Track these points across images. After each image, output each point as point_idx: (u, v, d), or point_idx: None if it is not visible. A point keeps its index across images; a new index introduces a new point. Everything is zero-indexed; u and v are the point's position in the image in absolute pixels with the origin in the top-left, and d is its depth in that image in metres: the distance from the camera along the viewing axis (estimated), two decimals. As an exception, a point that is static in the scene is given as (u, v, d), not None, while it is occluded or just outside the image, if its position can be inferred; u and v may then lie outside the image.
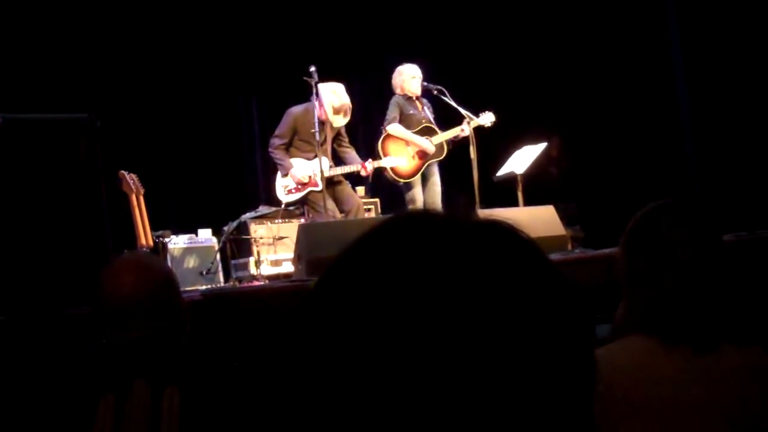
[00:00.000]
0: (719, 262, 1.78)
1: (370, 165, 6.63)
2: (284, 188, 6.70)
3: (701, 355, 1.69)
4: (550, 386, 0.64)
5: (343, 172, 6.65)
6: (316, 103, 6.48)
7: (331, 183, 6.61)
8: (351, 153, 6.79)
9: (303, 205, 6.79)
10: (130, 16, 8.24)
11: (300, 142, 6.68)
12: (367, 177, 6.88)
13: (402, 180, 6.80)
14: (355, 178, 7.54)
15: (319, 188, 6.48)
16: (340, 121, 6.59)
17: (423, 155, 6.80)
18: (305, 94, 6.63)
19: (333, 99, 6.50)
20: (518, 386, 0.62)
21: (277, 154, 6.69)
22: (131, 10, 8.24)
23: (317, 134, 6.38)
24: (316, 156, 6.48)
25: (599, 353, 1.73)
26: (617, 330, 1.84)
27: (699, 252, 1.77)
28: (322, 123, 6.52)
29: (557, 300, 0.67)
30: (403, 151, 6.81)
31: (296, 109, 6.69)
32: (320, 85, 6.50)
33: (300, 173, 6.59)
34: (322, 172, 6.38)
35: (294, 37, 8.73)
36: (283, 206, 6.71)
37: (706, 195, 7.40)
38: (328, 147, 6.59)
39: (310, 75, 6.41)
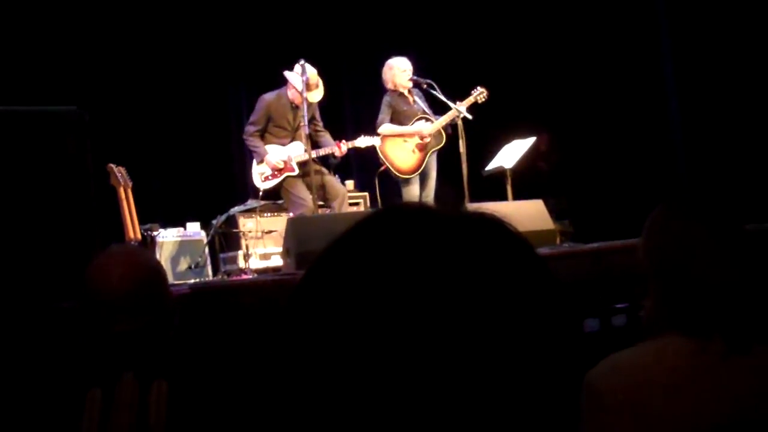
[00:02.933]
0: (744, 253, 1.73)
1: (345, 146, 6.64)
2: (260, 175, 6.71)
3: (736, 353, 1.62)
4: (535, 379, 0.64)
5: (318, 155, 6.65)
6: (289, 92, 6.59)
7: (310, 172, 6.58)
8: (326, 136, 6.81)
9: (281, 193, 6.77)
10: (119, 8, 8.20)
11: (275, 128, 6.72)
12: (341, 161, 6.93)
13: (407, 176, 6.80)
14: (343, 170, 7.56)
15: (296, 172, 6.54)
16: (316, 96, 6.61)
17: (423, 147, 6.82)
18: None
19: (299, 77, 6.52)
20: (503, 379, 0.62)
21: (252, 141, 6.73)
22: (119, 1, 8.20)
23: (304, 119, 6.39)
24: (291, 140, 6.53)
25: (631, 352, 1.68)
26: (648, 327, 1.77)
27: (724, 244, 1.72)
28: (296, 107, 6.58)
29: (544, 293, 0.67)
30: (401, 147, 6.82)
31: (269, 96, 6.75)
32: (286, 72, 6.59)
33: (275, 159, 6.61)
34: (309, 152, 6.37)
35: (284, 30, 8.71)
36: (260, 193, 6.70)
37: (696, 190, 7.42)
38: (303, 131, 6.58)
39: (302, 69, 6.46)
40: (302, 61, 6.48)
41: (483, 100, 6.76)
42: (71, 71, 7.79)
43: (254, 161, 6.77)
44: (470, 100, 6.71)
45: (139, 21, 8.36)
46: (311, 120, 6.69)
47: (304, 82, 6.45)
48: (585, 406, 1.62)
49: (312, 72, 6.56)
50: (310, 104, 6.60)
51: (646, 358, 1.67)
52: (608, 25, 8.30)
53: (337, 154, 6.67)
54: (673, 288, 1.71)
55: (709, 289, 1.67)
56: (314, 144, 6.71)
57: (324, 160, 6.85)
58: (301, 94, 6.46)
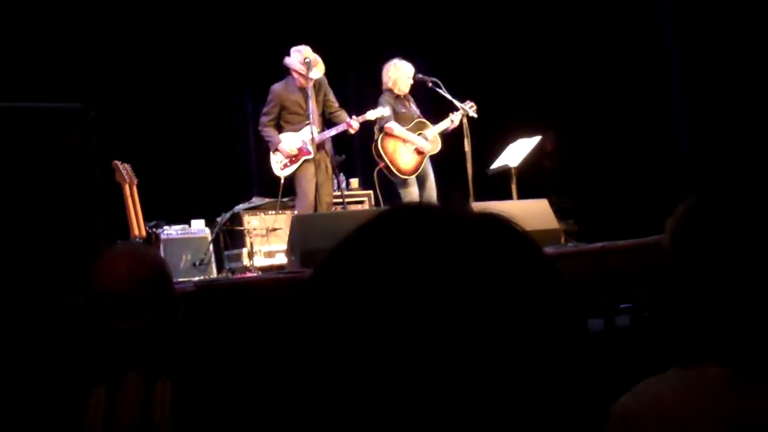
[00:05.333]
0: None
1: (355, 121, 6.67)
2: (278, 164, 6.75)
3: None
4: (542, 378, 0.64)
5: (330, 134, 6.71)
6: (295, 77, 6.67)
7: (318, 163, 6.64)
8: (342, 114, 6.85)
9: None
10: (125, 5, 8.21)
11: (289, 116, 6.77)
12: (345, 159, 7.07)
13: (405, 176, 6.79)
14: (347, 169, 7.58)
15: (312, 154, 6.58)
16: (317, 74, 6.64)
17: (421, 151, 6.81)
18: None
19: (298, 57, 6.63)
20: (510, 378, 0.62)
21: (266, 132, 6.79)
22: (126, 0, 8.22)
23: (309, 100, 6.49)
24: (307, 124, 6.62)
25: (663, 381, 1.48)
26: (682, 351, 1.50)
27: None
28: (305, 90, 6.64)
29: (550, 292, 0.67)
30: (403, 147, 6.82)
31: (277, 85, 6.82)
32: (285, 60, 6.71)
33: (288, 146, 6.66)
34: (312, 138, 6.47)
35: (289, 28, 8.70)
36: (282, 181, 6.71)
37: (700, 190, 7.40)
38: (314, 114, 6.60)
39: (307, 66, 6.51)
40: (307, 60, 6.53)
41: (472, 114, 6.75)
42: (77, 68, 7.79)
43: (271, 152, 6.82)
44: (460, 114, 6.71)
45: (145, 18, 8.36)
46: (325, 101, 6.73)
47: (293, 73, 6.65)
48: None
49: (306, 49, 6.66)
50: (317, 84, 6.65)
51: (685, 387, 1.44)
52: (613, 23, 8.28)
53: (351, 131, 6.72)
54: (713, 304, 1.44)
55: (758, 301, 1.40)
56: (331, 125, 6.77)
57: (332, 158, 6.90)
58: (302, 75, 6.57)
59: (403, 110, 6.88)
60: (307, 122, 6.63)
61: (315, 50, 6.79)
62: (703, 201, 1.52)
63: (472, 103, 6.79)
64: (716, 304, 1.43)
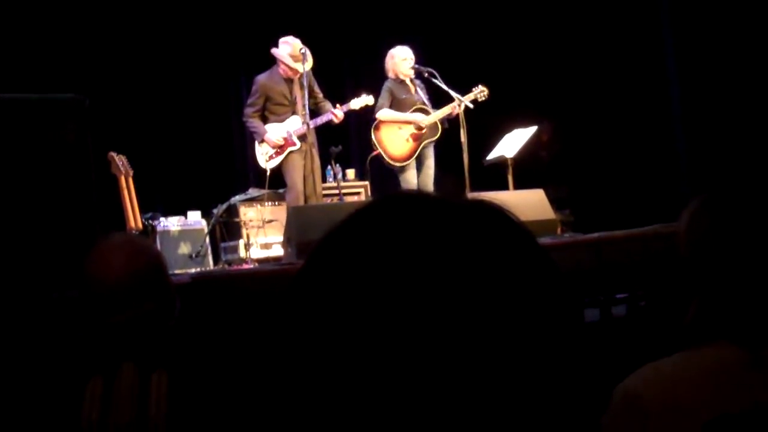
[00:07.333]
0: None
1: (340, 110, 6.67)
2: (264, 155, 6.74)
3: None
4: (536, 369, 0.63)
5: (316, 125, 6.68)
6: (280, 69, 6.66)
7: (306, 154, 6.63)
8: (327, 105, 6.84)
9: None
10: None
11: (274, 107, 6.77)
12: (342, 150, 7.18)
13: (398, 164, 6.81)
14: (343, 160, 7.57)
15: (297, 146, 6.59)
16: (306, 66, 6.62)
17: (417, 137, 6.81)
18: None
19: (287, 49, 6.62)
20: (504, 369, 0.62)
21: (251, 123, 6.80)
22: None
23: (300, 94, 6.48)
24: (291, 115, 6.63)
25: (673, 361, 1.52)
26: (692, 335, 1.56)
27: None
28: (290, 81, 6.66)
29: (545, 282, 0.66)
30: (396, 134, 6.83)
31: (262, 76, 6.82)
32: (273, 50, 6.69)
33: (275, 137, 6.66)
34: (307, 125, 6.45)
35: (286, 18, 8.68)
36: (267, 174, 6.70)
37: (696, 181, 7.42)
38: (300, 105, 6.59)
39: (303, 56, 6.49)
40: (303, 50, 6.51)
41: (483, 98, 6.75)
42: (72, 59, 7.77)
43: (256, 143, 6.80)
44: (470, 96, 6.70)
45: (140, 8, 8.33)
46: (310, 92, 6.71)
47: (279, 63, 6.63)
48: (622, 413, 1.50)
49: (295, 42, 6.63)
50: (302, 76, 6.62)
51: (691, 370, 1.50)
52: (610, 14, 8.27)
53: (336, 121, 6.71)
54: (724, 290, 1.53)
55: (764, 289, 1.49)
56: (316, 116, 6.75)
57: (326, 148, 6.89)
58: (290, 66, 6.56)
59: (404, 96, 6.89)
60: (293, 113, 6.62)
61: (311, 41, 6.77)
62: (720, 193, 1.62)
63: (484, 88, 6.76)
64: (736, 288, 1.51)
